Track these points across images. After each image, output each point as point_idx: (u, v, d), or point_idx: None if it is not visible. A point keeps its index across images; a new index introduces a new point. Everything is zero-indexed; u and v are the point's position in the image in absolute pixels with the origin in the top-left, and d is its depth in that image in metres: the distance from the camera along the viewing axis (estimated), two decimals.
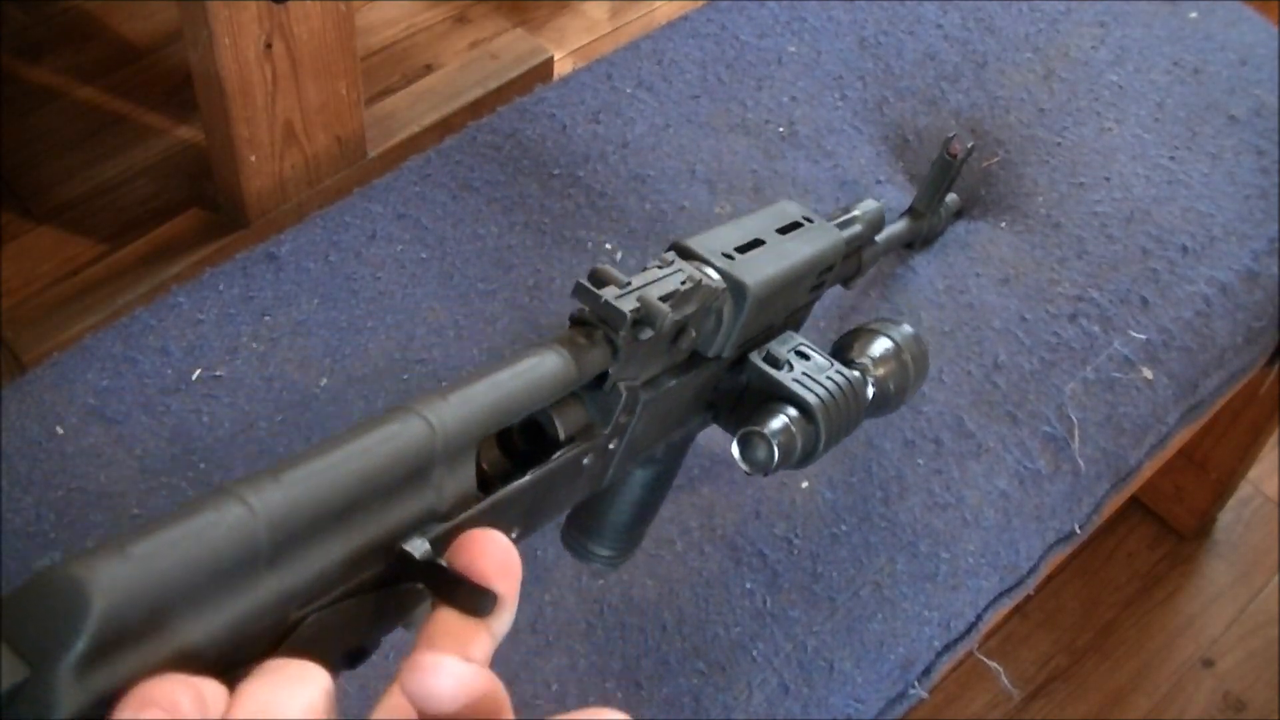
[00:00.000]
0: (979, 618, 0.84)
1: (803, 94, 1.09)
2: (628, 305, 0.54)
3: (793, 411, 0.63)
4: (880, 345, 0.72)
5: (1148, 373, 0.92)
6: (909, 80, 1.10)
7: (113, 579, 0.35)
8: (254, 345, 0.91)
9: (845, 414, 0.66)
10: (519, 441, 0.53)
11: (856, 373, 0.68)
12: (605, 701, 0.76)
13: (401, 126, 1.71)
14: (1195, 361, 0.94)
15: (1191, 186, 1.02)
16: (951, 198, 0.99)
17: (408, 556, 0.43)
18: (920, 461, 0.86)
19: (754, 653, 0.78)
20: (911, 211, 0.94)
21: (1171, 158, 1.04)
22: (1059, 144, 1.05)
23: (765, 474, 0.63)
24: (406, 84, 1.84)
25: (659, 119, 1.06)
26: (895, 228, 0.90)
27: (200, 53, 1.39)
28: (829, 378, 0.66)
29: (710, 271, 0.61)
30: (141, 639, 0.35)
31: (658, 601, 0.80)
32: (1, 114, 1.83)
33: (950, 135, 0.90)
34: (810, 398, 0.64)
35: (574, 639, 0.79)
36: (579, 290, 0.54)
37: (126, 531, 0.36)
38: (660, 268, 0.59)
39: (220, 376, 0.89)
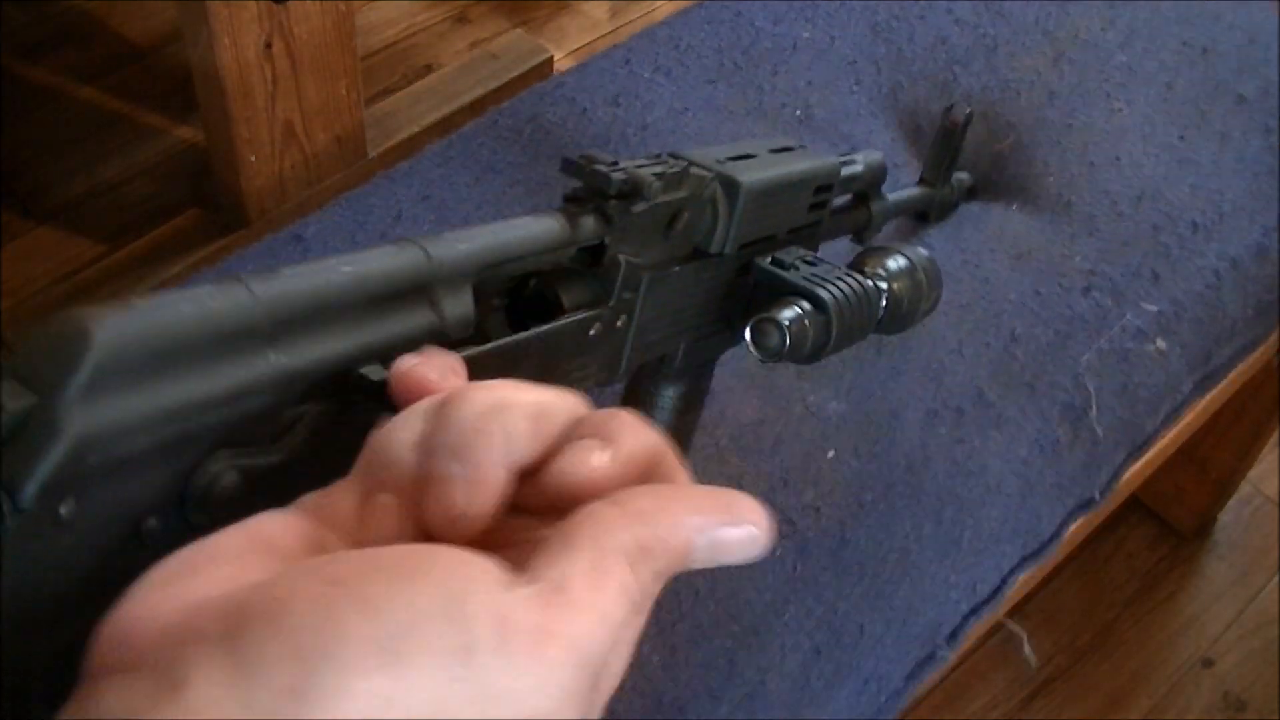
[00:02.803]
0: (1003, 582, 0.86)
1: (818, 79, 1.11)
2: (616, 175, 0.55)
3: (806, 305, 0.65)
4: (895, 260, 0.73)
5: (1161, 343, 0.94)
6: (921, 64, 1.12)
7: (114, 321, 0.37)
8: None
9: (857, 315, 0.67)
10: (526, 318, 0.55)
11: (870, 283, 0.69)
12: (642, 667, 0.78)
13: (401, 126, 1.72)
14: (1207, 332, 0.96)
15: (1201, 165, 1.04)
16: (965, 175, 1.01)
17: (363, 380, 0.44)
18: (943, 431, 0.87)
19: (785, 617, 0.80)
20: (921, 182, 0.96)
21: (1181, 137, 1.06)
22: (1070, 125, 1.07)
23: (775, 360, 0.64)
24: (406, 84, 1.85)
25: (677, 103, 1.08)
26: (907, 193, 0.93)
27: (200, 53, 1.40)
28: (841, 279, 0.67)
29: (702, 170, 0.62)
30: (139, 381, 0.38)
31: None
32: (1, 114, 1.83)
33: (949, 105, 0.92)
34: (824, 293, 0.65)
35: None
36: (566, 164, 0.56)
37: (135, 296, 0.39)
38: (648, 159, 0.61)
39: None
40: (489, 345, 0.50)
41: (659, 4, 2.19)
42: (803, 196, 0.71)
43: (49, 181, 1.78)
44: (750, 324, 0.64)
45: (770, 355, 0.63)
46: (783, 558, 0.82)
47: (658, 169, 0.58)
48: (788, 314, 0.64)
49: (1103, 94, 1.09)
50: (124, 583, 0.37)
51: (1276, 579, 1.63)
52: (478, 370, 0.46)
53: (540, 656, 0.32)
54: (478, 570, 0.33)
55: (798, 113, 1.08)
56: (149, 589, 0.34)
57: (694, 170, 0.61)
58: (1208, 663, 1.56)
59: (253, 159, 1.49)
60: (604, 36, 2.12)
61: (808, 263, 0.68)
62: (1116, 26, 1.14)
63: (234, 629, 0.31)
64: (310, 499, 0.39)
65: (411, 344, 0.46)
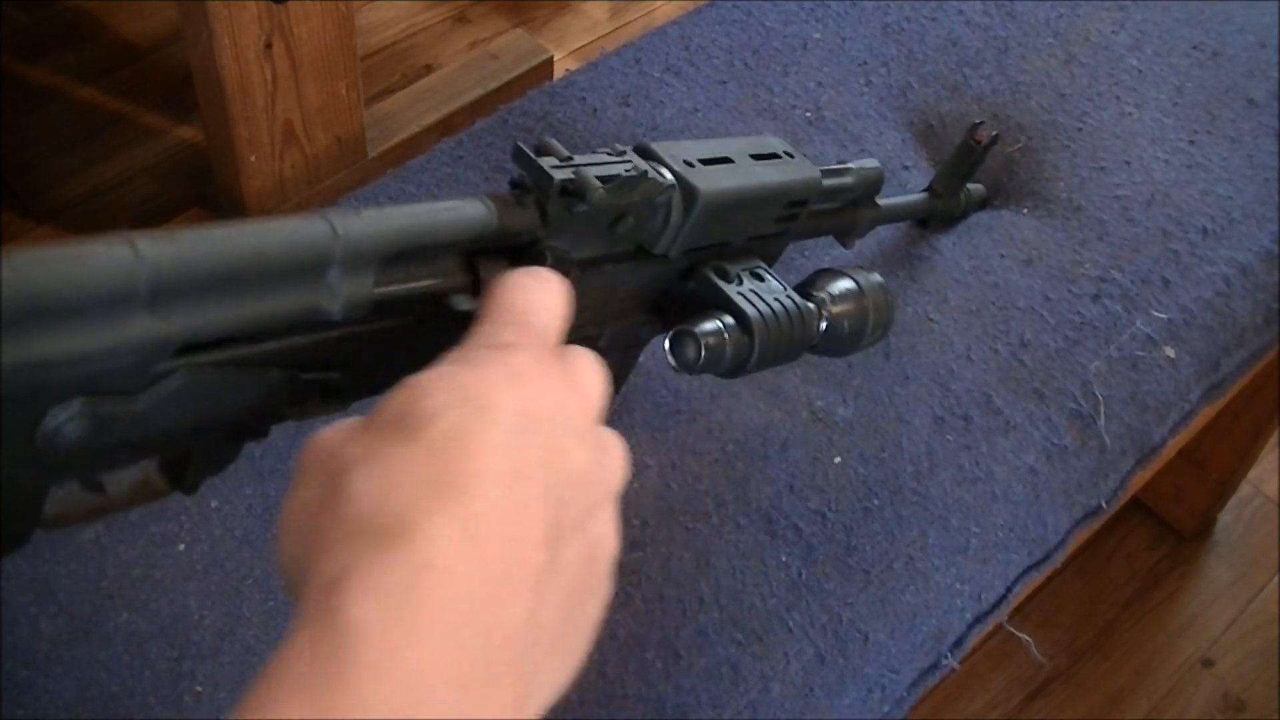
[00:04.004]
0: (1009, 590, 0.86)
1: (828, 80, 1.11)
2: (560, 174, 0.55)
3: (730, 320, 0.64)
4: (842, 285, 0.73)
5: (1170, 351, 0.94)
6: (932, 66, 1.12)
7: None
8: None
9: (786, 337, 0.67)
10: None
11: (811, 305, 0.69)
12: (644, 673, 0.78)
13: (401, 126, 1.72)
14: (1216, 340, 0.96)
15: (1211, 170, 1.03)
16: (978, 188, 1.00)
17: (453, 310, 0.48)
18: (950, 437, 0.87)
19: (790, 623, 0.80)
20: (930, 190, 0.96)
21: (1191, 141, 1.05)
22: (1080, 129, 1.07)
23: (690, 372, 0.64)
24: (406, 84, 1.85)
25: (687, 103, 1.08)
26: (905, 198, 0.92)
27: (200, 53, 1.40)
28: (776, 299, 0.67)
29: (664, 172, 0.62)
30: (9, 335, 0.38)
31: (695, 573, 0.81)
32: (1, 114, 1.83)
33: (977, 121, 0.92)
34: (750, 310, 0.65)
35: (613, 609, 0.80)
36: (516, 153, 0.56)
37: (16, 247, 0.39)
38: (609, 154, 0.60)
39: None
40: (398, 321, 0.51)
41: (659, 4, 2.19)
42: (770, 209, 0.70)
43: (49, 181, 1.78)
44: (670, 334, 0.64)
45: (685, 367, 0.64)
46: (788, 564, 0.82)
47: (612, 170, 0.58)
48: (707, 327, 0.63)
49: (1113, 97, 1.09)
50: None
51: (1276, 579, 1.63)
52: (360, 336, 0.49)
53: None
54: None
55: (808, 113, 1.08)
56: None
57: (651, 176, 0.60)
58: (1208, 663, 1.56)
59: (253, 159, 1.49)
60: (604, 36, 2.12)
61: (755, 275, 0.68)
62: (1127, 29, 1.14)
63: None
64: None
65: (293, 322, 0.46)
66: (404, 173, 1.03)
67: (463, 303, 0.53)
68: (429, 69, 1.94)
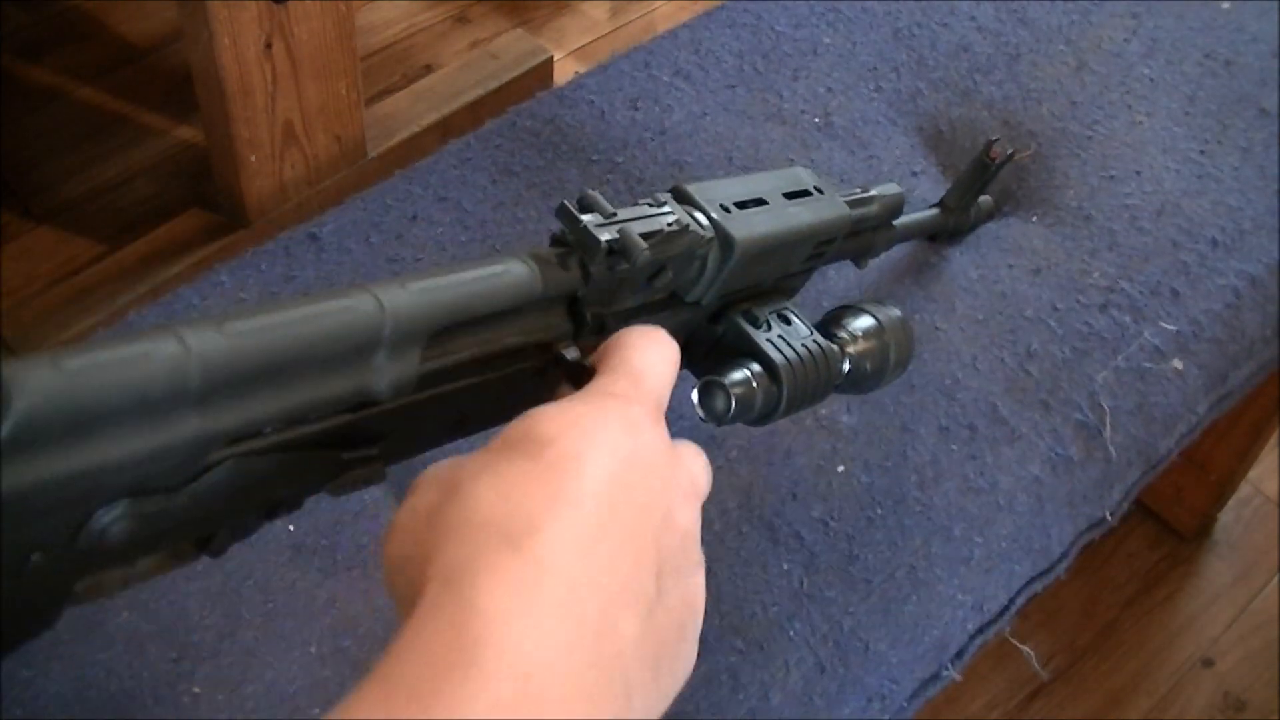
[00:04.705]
0: (1011, 601, 0.86)
1: (838, 85, 1.10)
2: (605, 235, 0.54)
3: (758, 368, 0.64)
4: (864, 323, 0.72)
5: (1178, 363, 0.93)
6: (943, 72, 1.11)
7: (39, 385, 0.36)
8: None
9: (813, 381, 0.66)
10: None
11: (835, 346, 0.69)
12: None
13: (401, 126, 1.71)
14: (1225, 353, 0.95)
15: (1222, 180, 1.03)
16: (986, 200, 1.00)
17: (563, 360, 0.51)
18: (955, 447, 0.87)
19: (791, 632, 0.80)
20: (941, 205, 0.95)
21: (1202, 151, 1.05)
22: (1090, 137, 1.06)
23: (720, 424, 0.63)
24: (406, 84, 1.85)
25: (696, 107, 1.07)
26: (918, 216, 0.91)
27: (200, 53, 1.39)
28: (803, 344, 0.66)
29: (701, 219, 0.61)
30: (55, 448, 0.37)
31: None
32: (1, 114, 1.83)
33: (994, 139, 0.91)
34: (778, 358, 0.64)
35: None
36: (561, 211, 0.55)
37: (65, 347, 0.38)
38: (651, 205, 0.59)
39: None
40: (422, 394, 0.49)
41: (659, 4, 2.18)
42: (802, 250, 0.70)
43: (49, 181, 1.78)
44: (698, 385, 0.63)
45: (714, 418, 0.63)
46: (790, 572, 0.82)
47: (655, 224, 0.57)
48: (736, 377, 0.63)
49: (1124, 105, 1.08)
50: (3, 601, 0.39)
51: (1276, 579, 1.63)
52: (402, 410, 0.48)
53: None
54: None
55: (817, 118, 1.08)
56: None
57: (692, 230, 0.59)
58: (1208, 663, 1.56)
59: (253, 159, 1.49)
60: (604, 37, 2.12)
61: (782, 319, 0.67)
62: (1139, 37, 1.13)
63: None
64: None
65: (339, 406, 0.45)
66: (411, 174, 1.03)
67: (569, 351, 0.55)
68: (429, 69, 1.94)
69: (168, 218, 1.63)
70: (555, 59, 1.93)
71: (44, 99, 1.87)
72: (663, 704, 0.46)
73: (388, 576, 0.45)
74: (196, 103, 1.49)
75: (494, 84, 1.80)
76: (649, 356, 0.51)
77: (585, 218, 0.54)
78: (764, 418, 0.65)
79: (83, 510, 0.40)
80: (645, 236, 0.55)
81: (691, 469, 0.49)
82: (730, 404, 0.62)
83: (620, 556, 0.42)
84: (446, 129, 1.68)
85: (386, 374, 0.47)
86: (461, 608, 0.38)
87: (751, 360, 0.64)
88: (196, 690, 0.76)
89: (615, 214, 0.55)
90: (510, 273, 0.52)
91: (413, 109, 1.74)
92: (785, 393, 0.64)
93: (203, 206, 1.62)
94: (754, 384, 0.63)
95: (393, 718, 0.36)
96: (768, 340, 0.65)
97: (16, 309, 1.56)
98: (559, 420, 0.45)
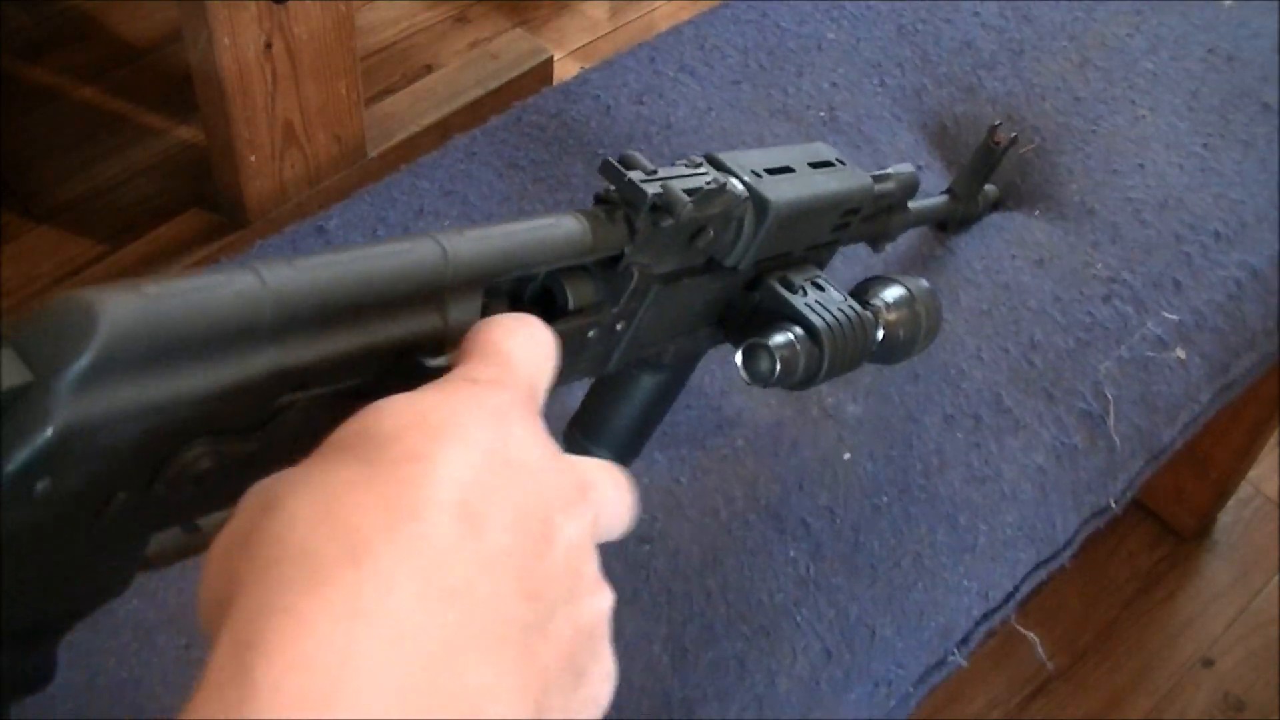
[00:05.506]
0: (1016, 588, 0.86)
1: (842, 80, 1.11)
2: (650, 189, 0.54)
3: (800, 331, 0.65)
4: (895, 292, 0.73)
5: (1180, 353, 0.94)
6: (946, 67, 1.12)
7: (123, 308, 0.36)
8: None
9: (851, 347, 0.67)
10: (529, 309, 0.54)
11: (869, 312, 0.69)
12: (651, 668, 0.78)
13: (401, 126, 1.72)
14: (1227, 343, 0.96)
15: (1224, 174, 1.03)
16: (991, 189, 1.01)
17: (423, 366, 0.45)
18: (959, 436, 0.87)
19: (797, 618, 0.80)
20: (949, 193, 0.96)
21: (1205, 145, 1.05)
22: (1094, 131, 1.07)
23: (765, 385, 0.64)
24: (406, 84, 1.85)
25: (701, 103, 1.08)
26: (930, 202, 0.92)
27: (200, 53, 1.40)
28: (840, 309, 0.67)
29: (735, 183, 0.61)
30: (139, 372, 0.37)
31: (702, 569, 0.82)
32: (1, 114, 1.83)
33: (995, 123, 0.92)
34: (819, 322, 0.65)
35: (620, 605, 0.80)
36: (605, 167, 0.55)
37: (146, 277, 0.38)
38: (688, 166, 0.60)
39: None
40: None
41: (659, 4, 2.19)
42: (829, 217, 0.71)
43: (49, 181, 1.78)
44: (742, 347, 0.64)
45: (760, 380, 0.64)
46: (796, 559, 0.82)
47: (694, 183, 0.57)
48: (779, 339, 0.64)
49: (1127, 100, 1.09)
50: (81, 556, 0.39)
51: (1276, 579, 1.63)
52: None
53: None
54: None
55: (821, 114, 1.08)
56: None
57: (729, 188, 0.59)
58: (1208, 663, 1.56)
59: (253, 159, 1.49)
60: (604, 36, 2.13)
61: (816, 286, 0.68)
62: (1143, 32, 1.14)
63: None
64: None
65: (413, 347, 0.46)
66: (417, 169, 1.03)
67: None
68: (429, 69, 1.95)
69: (168, 218, 1.64)
70: (555, 59, 1.94)
71: (44, 99, 1.87)
72: None
73: (202, 628, 0.36)
74: (196, 103, 1.50)
75: (494, 84, 1.80)
76: (519, 339, 0.43)
77: (629, 173, 0.55)
78: (804, 381, 0.66)
79: (164, 446, 0.40)
80: (687, 193, 0.56)
81: (587, 477, 0.41)
82: (775, 365, 0.63)
83: (482, 578, 0.34)
84: (446, 129, 1.68)
85: (451, 317, 0.47)
86: (238, 695, 0.30)
87: (792, 324, 0.65)
88: None
89: (656, 171, 0.56)
90: (561, 225, 0.52)
91: (413, 109, 1.74)
92: (827, 355, 0.65)
93: (203, 206, 1.63)
94: (797, 346, 0.64)
95: None
96: (806, 305, 0.66)
97: (16, 309, 1.57)
98: (404, 414, 0.37)
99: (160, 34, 1.97)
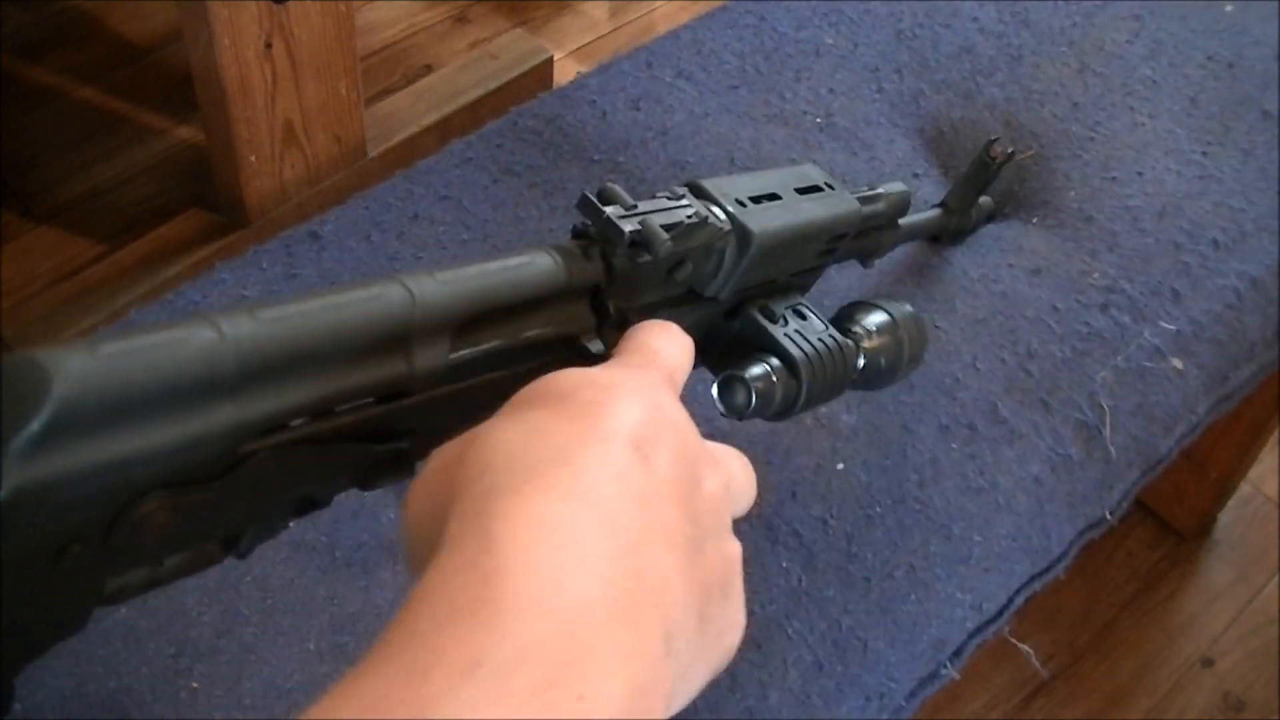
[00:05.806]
0: (1010, 600, 0.85)
1: (840, 86, 1.10)
2: (628, 226, 0.54)
3: (776, 363, 0.64)
4: (878, 319, 0.72)
5: (1178, 363, 0.93)
6: (945, 73, 1.12)
7: (78, 371, 0.36)
8: None
9: (830, 377, 0.66)
10: None
11: (849, 341, 0.69)
12: None
13: (401, 126, 1.71)
14: (1225, 353, 0.95)
15: (1223, 181, 1.03)
16: (986, 201, 1.00)
17: (585, 350, 0.50)
18: (954, 446, 0.87)
19: (789, 630, 0.80)
20: (943, 206, 0.95)
21: (1204, 152, 1.05)
22: (1092, 138, 1.06)
23: (740, 418, 0.63)
24: (406, 84, 1.85)
25: (698, 108, 1.08)
26: (922, 216, 0.91)
27: (200, 53, 1.40)
28: (820, 339, 0.66)
29: (718, 213, 0.61)
30: (95, 432, 0.37)
31: None
32: (1, 114, 1.83)
33: (994, 138, 0.91)
34: (796, 352, 0.64)
35: None
36: (583, 203, 0.55)
37: (101, 333, 0.38)
38: (669, 198, 0.59)
39: None
40: (452, 387, 0.49)
41: (659, 4, 2.19)
42: (815, 245, 0.70)
43: (49, 181, 1.78)
44: (718, 379, 0.63)
45: (735, 412, 0.63)
46: (788, 570, 0.82)
47: (674, 216, 0.57)
48: (756, 371, 0.63)
49: (1126, 107, 1.08)
50: (37, 600, 0.38)
51: (1276, 579, 1.63)
52: (434, 401, 0.48)
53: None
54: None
55: (818, 119, 1.08)
56: None
57: (711, 222, 0.59)
58: (1208, 663, 1.56)
59: (253, 159, 1.49)
60: (604, 37, 2.13)
61: (797, 314, 0.67)
62: (1142, 38, 1.13)
63: None
64: None
65: (371, 395, 0.45)
66: (413, 173, 1.03)
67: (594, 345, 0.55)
68: (429, 69, 1.94)
69: (168, 218, 1.63)
70: (555, 59, 1.93)
71: (44, 99, 1.87)
72: (708, 666, 0.43)
73: (409, 546, 0.43)
74: (196, 103, 1.49)
75: (494, 84, 1.80)
76: (663, 340, 0.52)
77: (607, 209, 0.54)
78: (782, 413, 0.65)
79: (119, 500, 0.39)
80: (666, 229, 0.55)
81: (719, 452, 0.48)
82: (750, 398, 0.62)
83: (656, 495, 0.40)
84: (446, 129, 1.68)
85: (417, 363, 0.47)
86: (480, 545, 0.36)
87: (770, 355, 0.65)
88: (195, 686, 0.76)
89: (635, 206, 0.56)
90: (535, 263, 0.52)
91: (413, 109, 1.74)
92: (805, 387, 0.64)
93: (203, 206, 1.62)
94: (773, 378, 0.63)
95: (408, 669, 0.33)
96: (785, 335, 0.65)
97: (16, 309, 1.57)
98: (578, 377, 0.44)
99: (160, 34, 1.97)
